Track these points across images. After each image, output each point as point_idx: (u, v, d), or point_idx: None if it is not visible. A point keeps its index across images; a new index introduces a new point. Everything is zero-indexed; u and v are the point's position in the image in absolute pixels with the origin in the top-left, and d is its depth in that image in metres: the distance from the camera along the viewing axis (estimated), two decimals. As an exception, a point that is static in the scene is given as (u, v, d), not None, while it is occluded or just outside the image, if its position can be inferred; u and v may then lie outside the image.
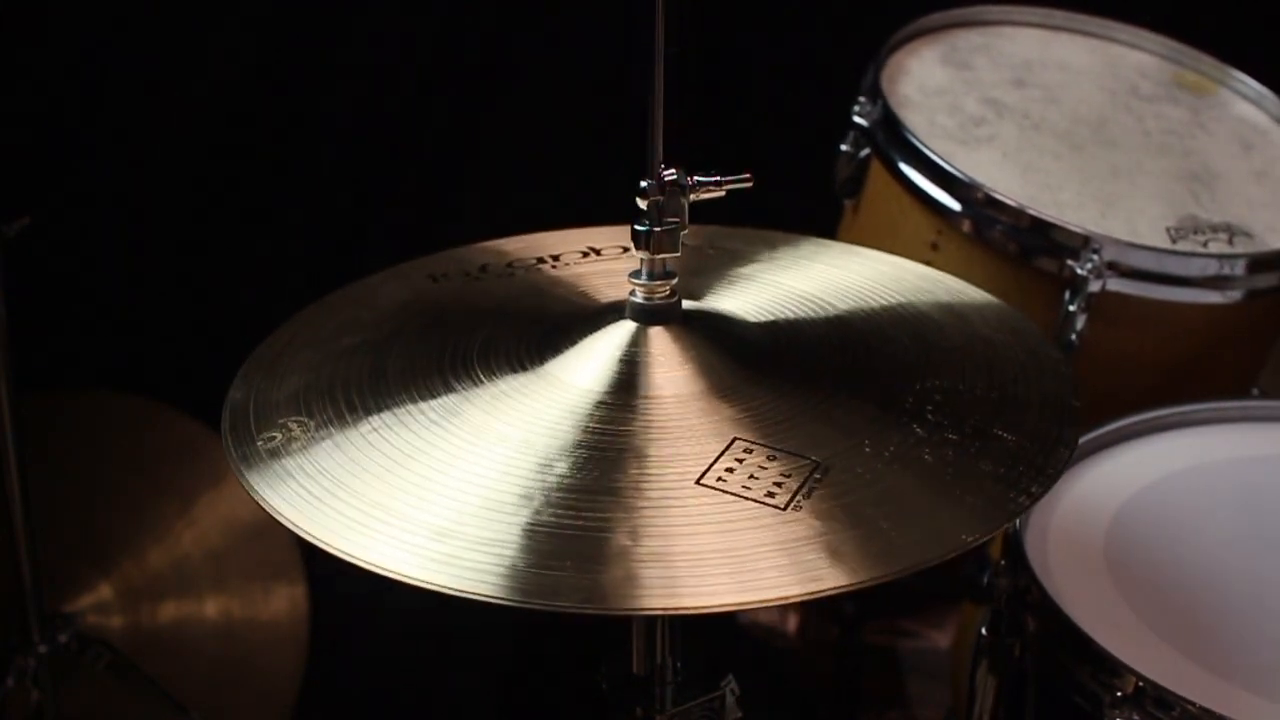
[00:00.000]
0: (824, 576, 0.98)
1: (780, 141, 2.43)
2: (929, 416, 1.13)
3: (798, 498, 1.04)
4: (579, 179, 2.34)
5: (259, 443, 1.12)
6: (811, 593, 0.97)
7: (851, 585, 0.98)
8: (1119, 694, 1.25)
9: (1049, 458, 1.11)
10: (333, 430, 1.12)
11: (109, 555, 2.01)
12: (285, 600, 2.08)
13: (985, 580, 1.45)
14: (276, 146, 2.29)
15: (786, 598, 0.97)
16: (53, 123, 2.18)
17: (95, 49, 2.18)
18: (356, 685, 2.25)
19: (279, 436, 1.13)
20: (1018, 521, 1.40)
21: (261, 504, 1.07)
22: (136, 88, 2.21)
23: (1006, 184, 1.75)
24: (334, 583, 2.05)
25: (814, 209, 1.97)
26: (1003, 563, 1.41)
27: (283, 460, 1.10)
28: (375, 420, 1.13)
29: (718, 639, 2.12)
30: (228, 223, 2.32)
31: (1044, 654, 1.35)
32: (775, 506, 1.03)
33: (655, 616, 1.21)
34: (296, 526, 1.04)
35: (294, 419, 1.14)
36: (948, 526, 1.03)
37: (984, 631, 1.42)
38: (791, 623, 2.29)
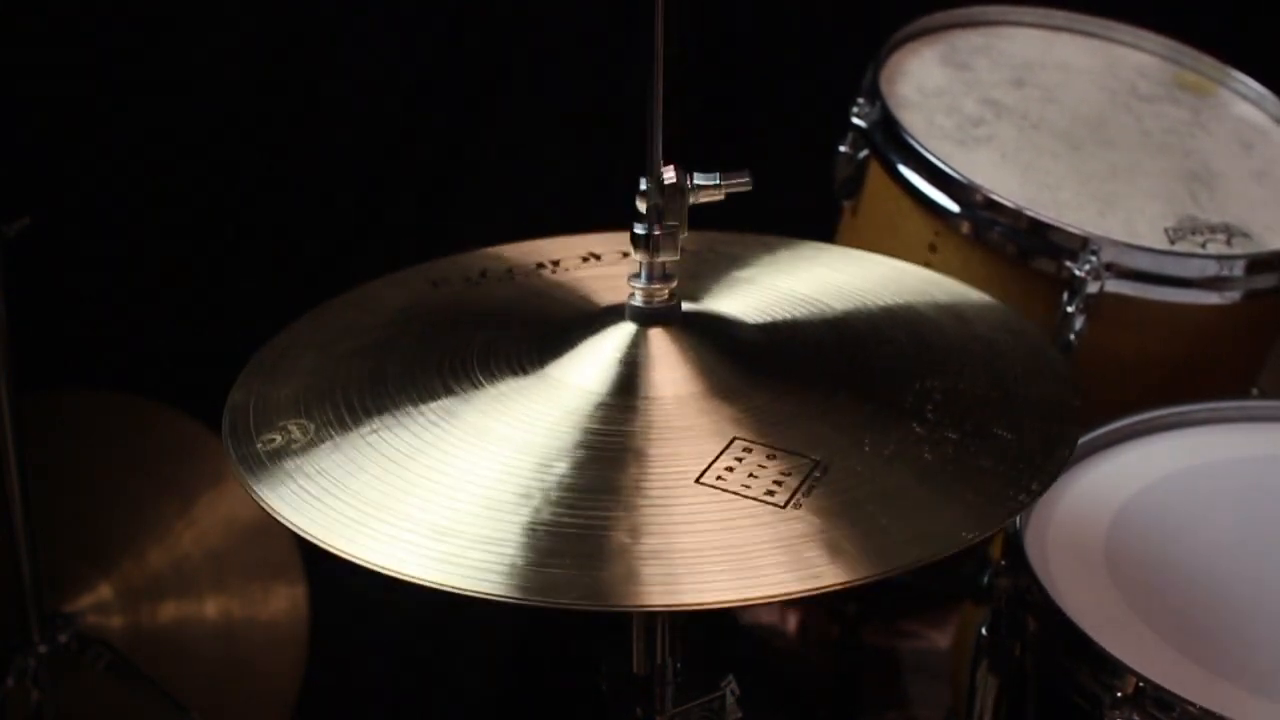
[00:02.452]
0: (824, 573, 0.98)
1: (780, 142, 2.43)
2: (929, 415, 1.13)
3: (797, 496, 1.04)
4: (579, 183, 2.34)
5: (259, 444, 1.13)
6: (811, 589, 0.97)
7: (851, 582, 0.98)
8: (1119, 694, 1.25)
9: (1049, 456, 1.11)
10: (333, 432, 1.13)
11: (109, 555, 2.01)
12: (285, 600, 2.08)
13: (985, 580, 1.45)
14: (277, 148, 2.29)
15: (787, 594, 0.97)
16: (53, 123, 2.18)
17: (96, 49, 2.18)
18: (356, 685, 2.25)
19: (279, 439, 1.13)
20: (1018, 521, 1.41)
21: (262, 505, 1.07)
22: (137, 89, 2.21)
23: (1005, 184, 1.75)
24: (334, 583, 2.05)
25: (813, 210, 1.98)
26: (1003, 563, 1.41)
27: (283, 462, 1.10)
28: (375, 423, 1.13)
29: (718, 639, 2.12)
30: (228, 223, 2.32)
31: (1044, 654, 1.35)
32: (775, 504, 1.03)
33: (655, 616, 1.21)
34: (297, 527, 1.04)
35: (294, 421, 1.14)
36: (947, 523, 1.03)
37: (984, 631, 1.42)
38: (791, 623, 2.29)
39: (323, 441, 1.12)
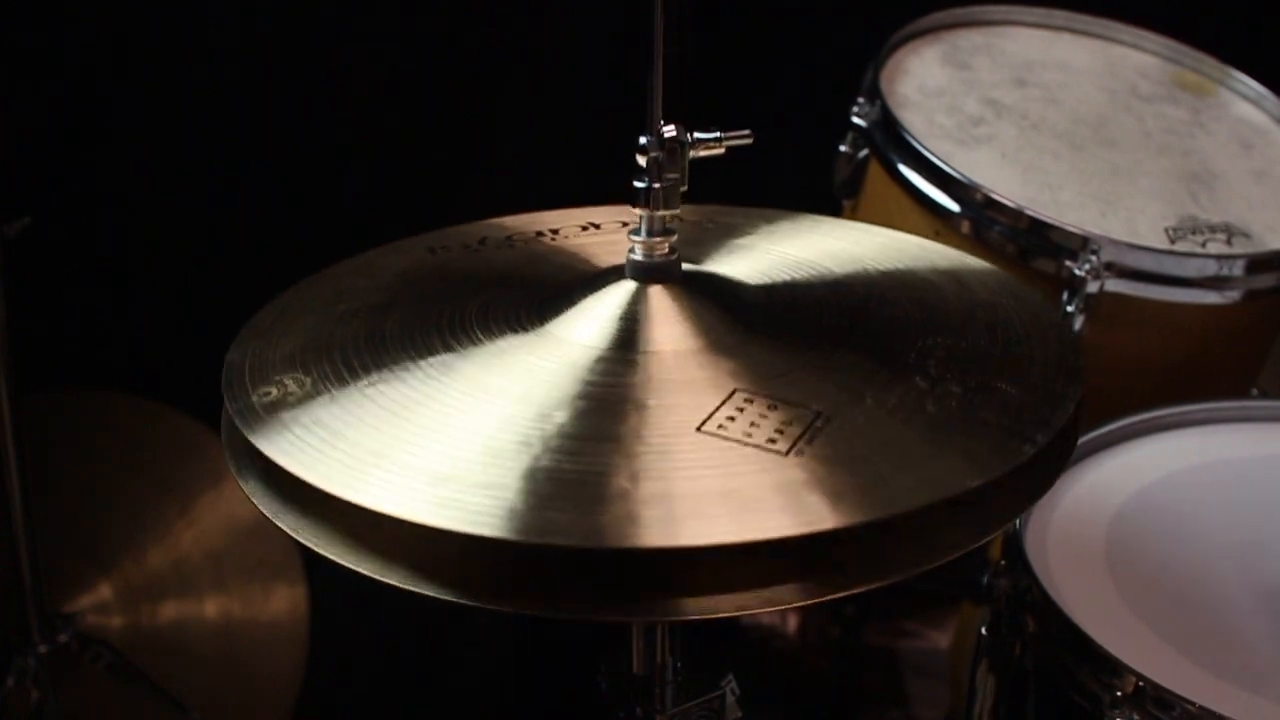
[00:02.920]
0: (825, 517, 0.97)
1: (780, 142, 2.43)
2: (931, 371, 1.12)
3: (799, 444, 1.03)
4: (580, 175, 2.34)
5: (255, 398, 1.12)
6: (813, 531, 0.97)
7: (853, 524, 0.97)
8: (1119, 694, 1.25)
9: (1054, 410, 1.10)
10: (330, 386, 1.12)
11: (109, 555, 2.01)
12: (285, 600, 2.08)
13: (985, 580, 1.45)
14: (278, 147, 2.29)
15: (788, 535, 0.97)
16: (53, 123, 2.18)
17: (96, 48, 2.18)
18: (356, 685, 2.25)
19: (274, 392, 1.12)
20: (1018, 521, 1.40)
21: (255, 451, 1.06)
22: (137, 86, 2.21)
23: (1005, 184, 1.76)
24: (334, 583, 2.05)
25: (814, 209, 1.97)
26: (1003, 563, 1.41)
27: (279, 414, 1.10)
28: (373, 376, 1.13)
29: (718, 639, 2.12)
30: (228, 223, 2.32)
31: (1044, 654, 1.35)
32: (777, 452, 1.03)
33: (655, 617, 1.21)
34: (293, 474, 1.03)
35: (290, 375, 1.14)
36: (950, 471, 1.03)
37: (984, 631, 1.42)
38: (791, 623, 2.29)
39: (320, 394, 1.11)
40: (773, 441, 1.04)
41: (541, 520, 0.98)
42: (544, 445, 1.04)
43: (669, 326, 1.16)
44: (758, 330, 1.17)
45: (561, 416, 1.07)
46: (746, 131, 1.20)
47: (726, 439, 1.04)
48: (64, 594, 1.94)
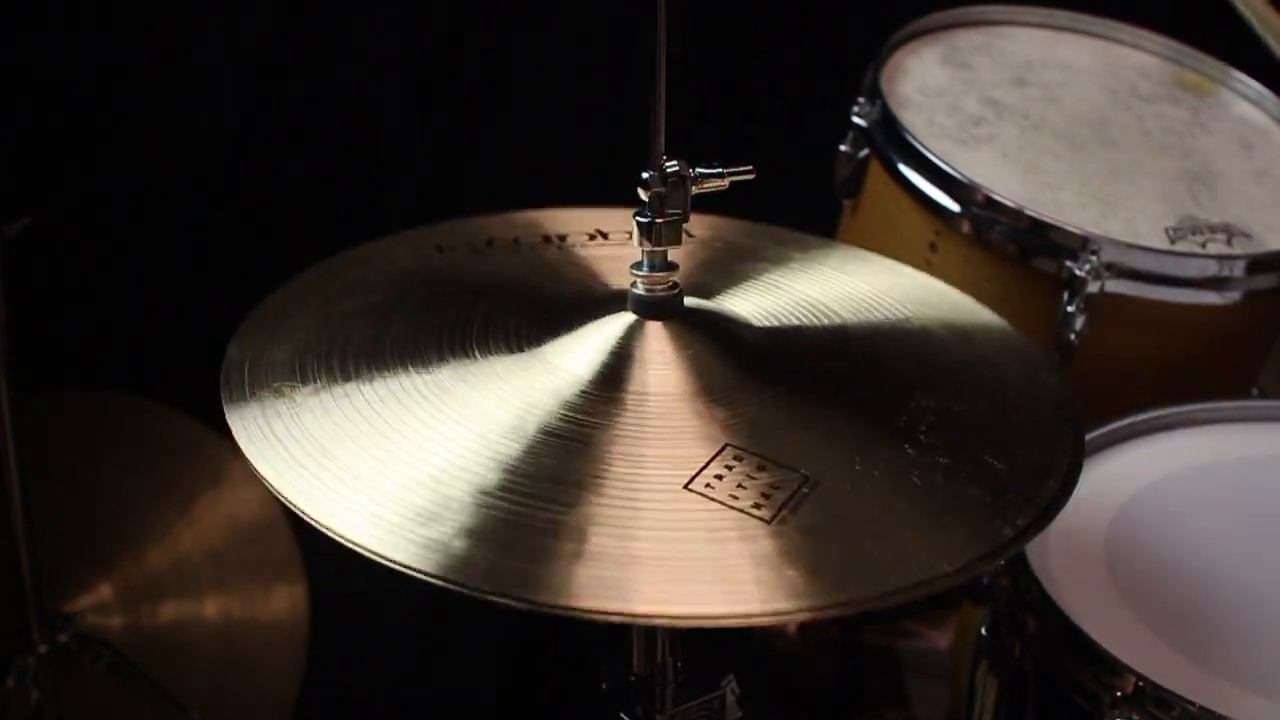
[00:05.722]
0: (800, 594, 0.97)
1: (780, 141, 2.43)
2: (921, 437, 1.12)
3: (784, 511, 1.03)
4: (584, 173, 2.34)
5: (253, 401, 1.13)
6: (788, 611, 0.96)
7: (830, 606, 0.97)
8: (1119, 694, 1.25)
9: (1038, 489, 1.09)
10: (325, 396, 1.13)
11: (109, 555, 2.01)
12: (285, 600, 2.08)
13: (985, 580, 1.45)
14: (278, 146, 2.29)
15: (770, 613, 0.96)
16: (53, 123, 2.18)
17: (96, 48, 2.18)
18: (356, 685, 2.25)
19: (271, 398, 1.13)
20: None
21: (251, 466, 1.08)
22: (137, 87, 2.21)
23: (1006, 184, 1.76)
24: (334, 583, 2.05)
25: (814, 209, 1.98)
26: (1003, 563, 1.41)
27: (274, 424, 1.11)
28: (369, 388, 1.13)
29: (718, 639, 2.12)
30: (228, 222, 2.32)
31: (1044, 654, 1.35)
32: (761, 519, 1.02)
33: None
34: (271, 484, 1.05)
35: (286, 383, 1.14)
36: (930, 553, 1.02)
37: (984, 631, 1.42)
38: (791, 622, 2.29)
39: (315, 405, 1.12)
40: (758, 507, 1.03)
41: (490, 568, 0.97)
42: (522, 490, 1.03)
43: (664, 369, 1.15)
44: (754, 377, 1.16)
45: (538, 453, 1.06)
46: (749, 167, 1.20)
47: (713, 500, 1.04)
48: (64, 594, 1.94)
